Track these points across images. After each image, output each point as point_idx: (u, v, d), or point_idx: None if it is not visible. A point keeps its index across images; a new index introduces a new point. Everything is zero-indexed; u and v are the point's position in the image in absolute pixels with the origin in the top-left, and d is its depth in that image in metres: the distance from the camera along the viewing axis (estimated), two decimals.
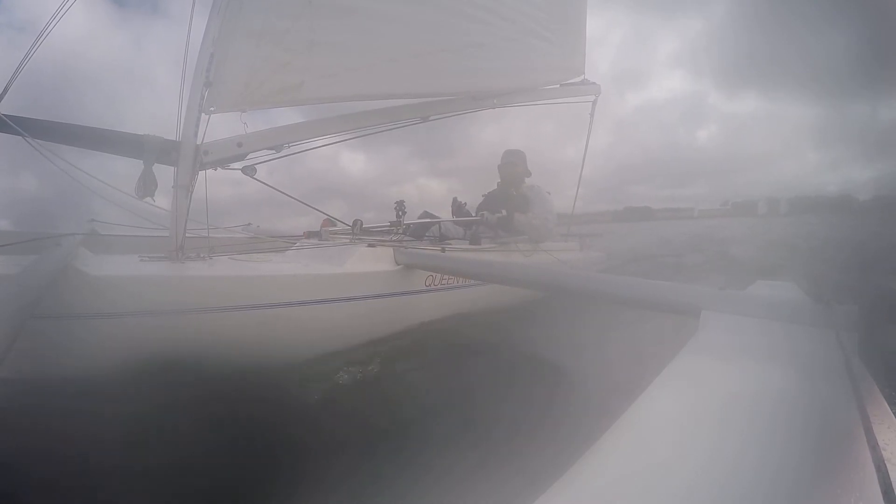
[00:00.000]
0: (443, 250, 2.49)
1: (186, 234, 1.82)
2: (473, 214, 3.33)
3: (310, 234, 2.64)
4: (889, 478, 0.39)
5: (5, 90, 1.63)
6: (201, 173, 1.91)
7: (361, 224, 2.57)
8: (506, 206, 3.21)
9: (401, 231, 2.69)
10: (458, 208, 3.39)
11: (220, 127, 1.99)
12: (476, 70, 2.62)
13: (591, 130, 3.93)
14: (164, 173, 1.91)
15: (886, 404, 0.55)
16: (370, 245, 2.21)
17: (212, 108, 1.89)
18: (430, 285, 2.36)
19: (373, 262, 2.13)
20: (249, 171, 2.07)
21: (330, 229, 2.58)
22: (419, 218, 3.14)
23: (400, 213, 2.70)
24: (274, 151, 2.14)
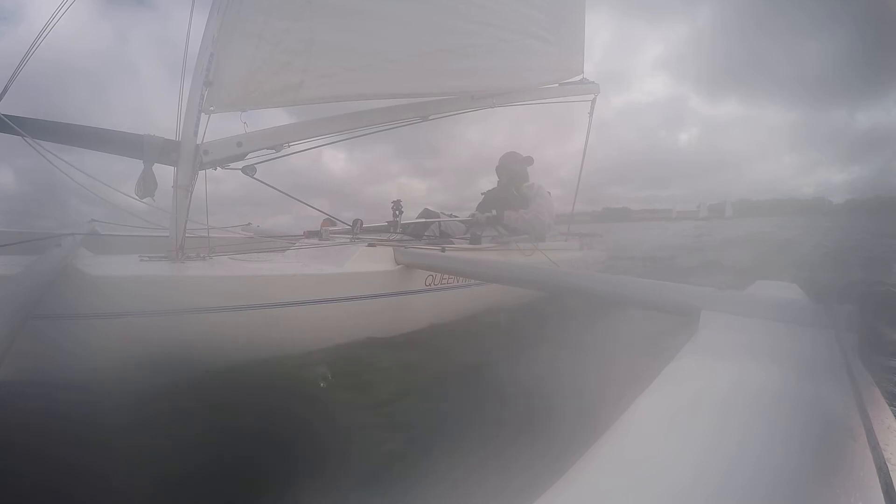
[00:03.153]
0: (443, 250, 2.49)
1: (186, 234, 1.82)
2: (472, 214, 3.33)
3: (310, 234, 2.64)
4: (890, 478, 0.39)
5: (4, 90, 1.63)
6: (201, 173, 1.91)
7: (361, 224, 2.56)
8: (503, 205, 3.21)
9: (399, 230, 2.68)
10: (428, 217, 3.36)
11: (220, 127, 1.99)
12: (475, 70, 2.62)
13: (590, 129, 3.94)
14: (165, 173, 1.91)
15: (886, 405, 0.55)
16: (370, 245, 2.21)
17: (211, 108, 1.89)
18: (430, 285, 2.36)
19: (373, 261, 2.13)
20: (249, 170, 2.07)
21: (330, 229, 2.58)
22: (420, 216, 3.14)
23: (397, 212, 2.70)
24: (273, 151, 2.14)
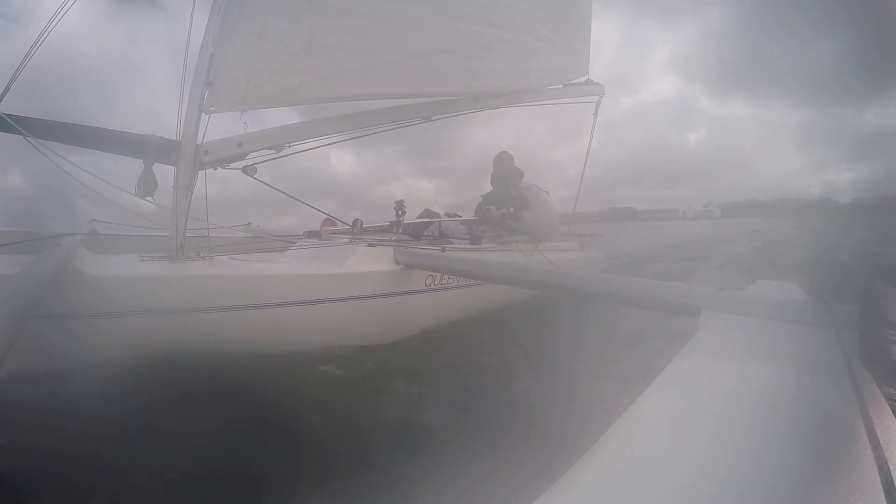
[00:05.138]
0: (443, 250, 2.49)
1: (186, 234, 1.82)
2: (472, 215, 3.32)
3: (310, 234, 2.64)
4: (892, 478, 0.39)
5: (6, 90, 1.63)
6: (201, 173, 1.91)
7: (361, 224, 2.56)
8: (504, 205, 3.20)
9: (400, 231, 2.68)
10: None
11: (219, 126, 1.99)
12: (476, 70, 2.60)
13: (594, 131, 3.88)
14: (165, 173, 1.91)
15: (887, 404, 0.55)
16: (370, 245, 2.21)
17: (212, 108, 1.89)
18: (430, 285, 2.35)
19: (373, 261, 2.13)
20: (249, 170, 2.07)
21: (330, 229, 2.58)
22: (421, 216, 3.14)
23: (399, 212, 2.70)
24: (274, 151, 2.14)
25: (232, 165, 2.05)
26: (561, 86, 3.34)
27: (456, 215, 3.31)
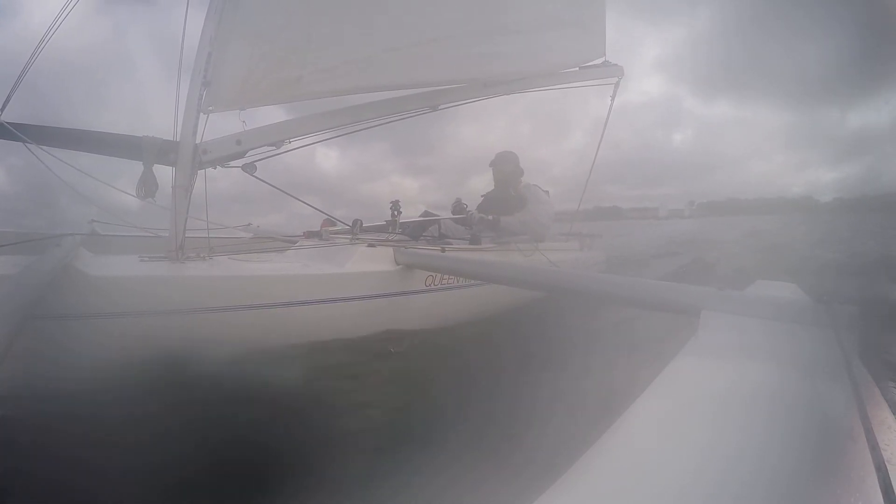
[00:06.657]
0: (443, 250, 2.49)
1: (186, 234, 1.82)
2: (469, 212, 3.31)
3: (310, 234, 2.64)
4: (889, 478, 0.39)
5: (7, 100, 1.64)
6: (200, 173, 1.91)
7: (361, 224, 2.56)
8: (503, 206, 3.19)
9: (397, 231, 2.68)
10: (458, 210, 3.37)
11: (214, 124, 1.97)
12: (485, 55, 2.48)
13: (609, 116, 3.71)
14: (166, 172, 1.91)
15: (886, 405, 0.55)
16: (370, 245, 2.21)
17: (210, 108, 1.89)
18: (430, 285, 2.35)
19: (373, 262, 2.12)
20: (249, 168, 2.07)
21: (330, 229, 2.58)
22: (420, 216, 3.13)
23: (395, 212, 2.70)
24: (274, 147, 2.13)
25: (232, 164, 2.04)
26: (577, 68, 3.15)
27: (462, 202, 3.27)
